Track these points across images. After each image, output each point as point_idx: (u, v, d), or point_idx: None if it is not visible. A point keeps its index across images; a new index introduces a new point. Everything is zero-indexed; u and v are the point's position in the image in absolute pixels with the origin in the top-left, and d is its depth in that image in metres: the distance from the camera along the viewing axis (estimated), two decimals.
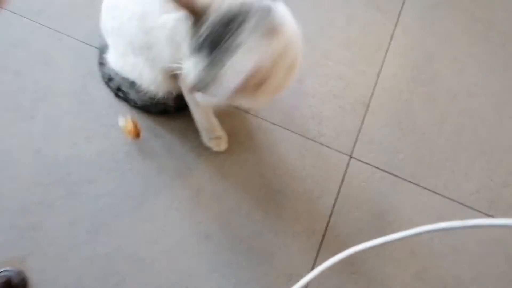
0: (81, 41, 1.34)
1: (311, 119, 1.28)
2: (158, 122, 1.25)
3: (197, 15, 0.70)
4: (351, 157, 1.25)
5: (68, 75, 1.29)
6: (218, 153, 1.22)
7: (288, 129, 1.27)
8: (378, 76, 1.34)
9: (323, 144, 1.25)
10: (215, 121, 1.19)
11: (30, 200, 1.14)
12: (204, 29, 0.69)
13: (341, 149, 1.25)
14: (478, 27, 1.40)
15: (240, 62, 0.66)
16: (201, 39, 0.69)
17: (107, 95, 1.26)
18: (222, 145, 1.22)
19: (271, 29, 0.68)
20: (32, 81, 1.27)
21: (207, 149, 1.22)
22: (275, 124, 1.27)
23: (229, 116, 1.26)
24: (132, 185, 1.17)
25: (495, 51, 1.38)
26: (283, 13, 0.72)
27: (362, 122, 1.29)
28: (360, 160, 1.24)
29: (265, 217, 1.16)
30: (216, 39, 0.68)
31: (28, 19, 1.35)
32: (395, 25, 1.40)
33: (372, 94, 1.32)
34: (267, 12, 0.68)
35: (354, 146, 1.26)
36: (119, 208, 1.15)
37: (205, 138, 1.21)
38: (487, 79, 1.35)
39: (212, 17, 0.69)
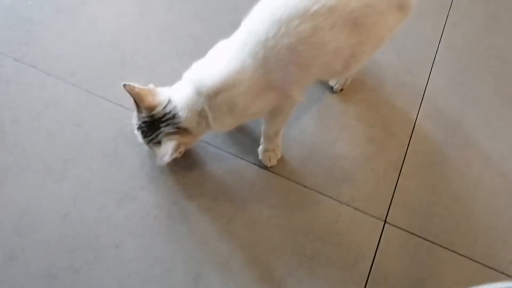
0: (112, 102, 1.39)
1: (344, 182, 1.29)
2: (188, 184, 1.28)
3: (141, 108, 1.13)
4: (385, 222, 1.24)
5: (99, 137, 1.32)
6: (248, 220, 1.22)
7: (321, 193, 1.27)
8: (409, 138, 1.36)
9: (356, 209, 1.26)
10: (281, 132, 1.28)
11: (57, 265, 1.13)
12: (145, 117, 1.13)
13: (375, 214, 1.25)
14: (509, 90, 1.44)
15: (164, 148, 1.10)
16: (141, 122, 1.15)
17: (137, 157, 1.30)
18: (273, 159, 1.30)
19: (180, 128, 1.11)
20: (63, 142, 1.31)
21: (238, 214, 1.23)
22: (307, 187, 1.28)
23: (262, 178, 1.28)
24: (160, 251, 1.17)
25: None
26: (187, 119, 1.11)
27: (395, 186, 1.29)
28: (395, 226, 1.24)
29: (298, 286, 1.15)
30: (149, 126, 1.13)
31: (62, 80, 1.41)
32: (425, 88, 1.44)
33: (405, 157, 1.34)
34: (176, 120, 1.11)
35: (388, 210, 1.26)
36: (147, 274, 1.14)
37: (262, 149, 1.30)
38: None
39: (152, 113, 1.12)
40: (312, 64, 1.03)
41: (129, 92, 1.11)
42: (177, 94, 1.13)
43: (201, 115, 1.11)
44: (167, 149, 1.09)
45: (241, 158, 1.31)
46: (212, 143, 1.34)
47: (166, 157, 1.08)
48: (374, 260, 1.19)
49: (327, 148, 1.34)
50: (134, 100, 1.13)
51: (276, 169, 1.30)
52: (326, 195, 1.27)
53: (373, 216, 1.25)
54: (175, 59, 1.47)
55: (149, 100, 1.12)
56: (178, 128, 1.11)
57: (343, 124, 1.38)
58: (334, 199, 1.27)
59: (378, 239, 1.22)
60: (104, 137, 1.33)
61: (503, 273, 1.18)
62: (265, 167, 1.30)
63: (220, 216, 1.23)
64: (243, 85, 1.03)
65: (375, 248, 1.21)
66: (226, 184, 1.28)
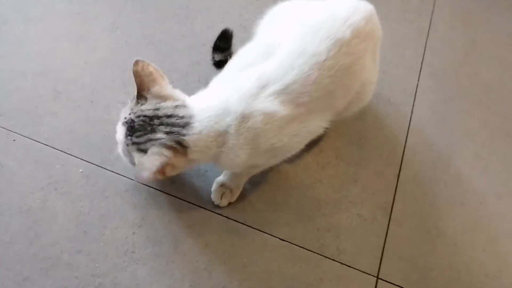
0: (41, 142, 1.19)
1: (327, 232, 1.16)
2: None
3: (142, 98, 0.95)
4: (377, 278, 1.12)
5: (23, 187, 1.12)
6: (214, 286, 1.05)
7: (300, 246, 1.13)
8: (397, 177, 1.26)
9: (343, 264, 1.12)
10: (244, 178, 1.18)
11: None
12: (145, 110, 0.93)
13: (365, 269, 1.13)
14: (496, 120, 1.40)
15: (149, 161, 0.90)
16: (135, 116, 0.93)
17: (72, 210, 1.10)
18: (225, 199, 1.16)
19: (180, 144, 0.92)
20: None
21: (200, 281, 1.06)
22: (284, 241, 1.13)
23: (232, 232, 1.13)
24: None
25: None
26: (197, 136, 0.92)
27: (386, 234, 1.18)
28: (389, 282, 1.12)
29: None
30: (143, 125, 0.92)
31: None
32: (409, 119, 1.37)
33: (394, 199, 1.23)
34: (184, 130, 0.92)
35: (380, 263, 1.14)
36: None
37: (219, 182, 1.17)
38: None
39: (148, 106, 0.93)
40: (351, 90, 1.04)
41: (138, 73, 0.93)
42: (198, 102, 0.96)
43: (218, 139, 0.94)
44: (152, 165, 0.88)
45: (199, 206, 1.16)
46: (166, 191, 1.17)
47: (146, 174, 0.88)
48: None
49: (306, 191, 1.22)
50: (140, 84, 0.94)
51: (248, 220, 1.15)
52: (307, 249, 1.13)
53: (363, 271, 1.12)
54: (120, 89, 1.31)
55: (163, 86, 0.95)
56: (179, 143, 0.91)
57: (321, 164, 1.27)
58: (317, 253, 1.13)
59: None
60: (29, 187, 1.13)
61: None
62: (224, 215, 1.15)
63: (179, 283, 1.05)
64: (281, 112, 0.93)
65: None
66: (186, 241, 1.11)
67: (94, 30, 1.43)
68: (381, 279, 1.12)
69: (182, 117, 0.92)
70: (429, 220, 1.22)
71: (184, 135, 0.91)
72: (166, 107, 0.93)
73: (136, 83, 0.94)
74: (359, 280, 1.11)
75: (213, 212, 1.16)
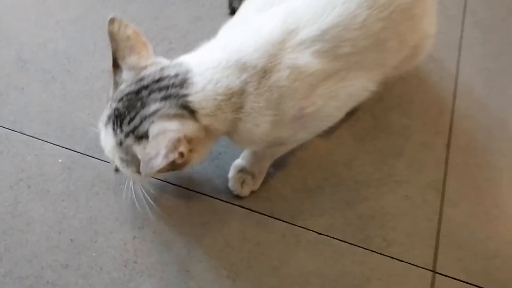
0: (6, 127, 0.96)
1: (371, 220, 0.98)
2: None
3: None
4: (434, 272, 0.96)
5: None
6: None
7: (341, 240, 0.96)
8: (447, 148, 1.09)
9: (393, 257, 0.96)
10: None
11: None
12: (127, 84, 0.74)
13: (419, 262, 0.96)
14: None
15: (156, 142, 0.68)
16: (118, 98, 0.74)
17: (53, 214, 0.88)
18: (247, 187, 0.97)
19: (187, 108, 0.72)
20: None
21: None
22: (321, 234, 0.96)
23: (257, 227, 0.95)
24: None
25: None
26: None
27: (440, 217, 1.01)
28: (447, 276, 0.95)
29: None
30: (130, 104, 0.72)
31: None
32: (456, 79, 1.18)
33: (445, 175, 1.06)
34: (184, 90, 0.72)
35: (435, 255, 0.98)
36: None
37: (237, 167, 0.97)
38: None
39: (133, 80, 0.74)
40: (408, 43, 0.84)
41: (114, 35, 0.75)
42: (196, 56, 0.77)
43: (232, 100, 0.73)
44: (161, 148, 0.67)
45: (214, 198, 0.97)
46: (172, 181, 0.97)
47: (158, 160, 0.66)
48: None
49: (342, 172, 1.03)
50: (115, 50, 0.75)
51: (275, 211, 0.97)
52: (349, 243, 0.96)
53: (417, 265, 0.96)
54: (104, 54, 1.11)
55: (144, 56, 0.76)
56: (184, 107, 0.72)
57: (358, 136, 1.08)
58: (361, 247, 0.96)
59: None
60: None
61: None
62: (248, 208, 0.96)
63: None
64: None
65: None
66: (201, 243, 0.91)
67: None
68: (438, 273, 0.96)
69: (176, 75, 0.73)
70: (487, 198, 1.06)
71: (185, 95, 0.72)
72: (150, 73, 0.74)
73: (112, 48, 0.75)
74: (413, 276, 0.95)
75: (232, 204, 0.97)
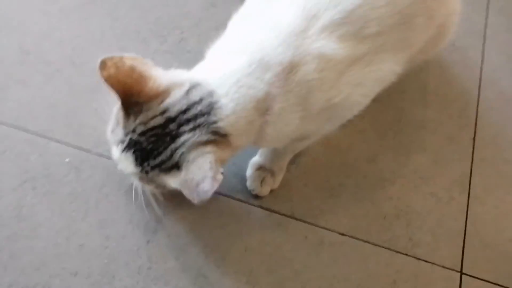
0: (7, 124, 0.89)
1: (396, 220, 0.93)
2: None
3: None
4: (461, 273, 0.92)
5: None
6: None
7: (365, 241, 0.91)
8: (473, 142, 1.04)
9: (419, 259, 0.91)
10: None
11: None
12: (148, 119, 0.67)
13: (446, 263, 0.92)
14: None
15: (198, 169, 0.65)
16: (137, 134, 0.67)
17: (61, 217, 0.82)
18: (266, 187, 0.90)
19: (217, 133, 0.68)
20: None
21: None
22: (344, 235, 0.91)
23: (278, 229, 0.89)
24: None
25: None
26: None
27: (467, 216, 0.96)
28: (476, 277, 0.92)
29: None
30: (156, 139, 0.67)
31: None
32: (481, 68, 1.12)
33: (471, 170, 1.01)
34: (212, 116, 0.67)
35: (463, 255, 0.93)
36: None
37: (255, 165, 0.92)
38: None
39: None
40: (435, 20, 0.80)
41: (112, 78, 0.65)
42: (212, 68, 0.72)
43: (259, 106, 0.68)
44: (205, 169, 0.63)
45: (231, 198, 0.91)
46: None
47: (207, 184, 0.62)
48: None
49: (365, 169, 0.97)
50: (124, 91, 0.66)
51: (296, 211, 0.91)
52: (374, 244, 0.91)
53: (444, 266, 0.91)
54: (112, 44, 1.04)
55: (155, 76, 0.68)
56: (215, 133, 0.67)
57: (380, 131, 1.02)
58: (386, 248, 0.91)
59: None
60: None
61: None
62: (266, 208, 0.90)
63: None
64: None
65: None
66: (218, 248, 0.85)
67: None
68: (465, 274, 0.92)
69: (200, 101, 0.67)
70: None
71: (215, 122, 0.67)
72: (175, 101, 0.67)
73: (116, 92, 0.66)
74: (440, 277, 0.91)
75: (250, 204, 0.91)
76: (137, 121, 0.67)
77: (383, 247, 0.92)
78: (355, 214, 0.93)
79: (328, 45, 0.69)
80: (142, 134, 0.66)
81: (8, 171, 0.89)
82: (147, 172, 0.69)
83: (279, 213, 0.90)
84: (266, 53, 0.68)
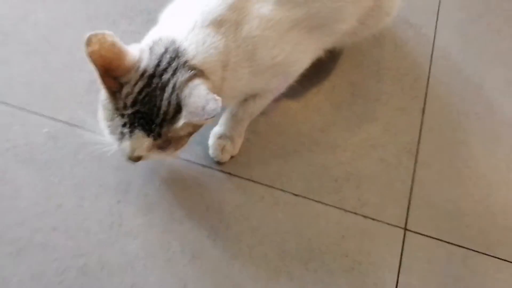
0: None
1: (347, 182, 1.03)
2: None
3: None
4: (405, 229, 1.02)
5: None
6: (229, 256, 0.93)
7: (317, 201, 1.01)
8: (422, 113, 1.13)
9: (367, 217, 1.01)
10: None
11: None
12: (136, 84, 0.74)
13: (391, 221, 1.02)
14: None
15: (198, 97, 0.72)
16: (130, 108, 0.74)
17: (41, 181, 0.92)
18: (226, 153, 1.00)
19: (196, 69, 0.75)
20: None
21: (208, 249, 0.93)
22: (298, 196, 1.01)
23: (237, 191, 1.00)
24: None
25: None
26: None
27: (413, 179, 1.06)
28: (418, 233, 1.02)
29: None
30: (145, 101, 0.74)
31: None
32: (433, 44, 1.22)
33: (419, 138, 1.10)
34: (182, 57, 0.75)
35: (407, 213, 1.03)
36: None
37: (216, 134, 1.01)
38: None
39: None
40: None
41: (96, 53, 0.69)
42: (168, 29, 0.79)
43: (221, 58, 0.78)
44: (203, 94, 0.71)
45: (194, 163, 1.01)
46: None
47: (212, 104, 0.69)
48: (398, 283, 0.96)
49: (319, 137, 1.07)
50: (107, 65, 0.71)
51: (254, 175, 1.01)
52: (325, 203, 1.01)
53: (389, 223, 1.02)
54: (84, 25, 1.11)
55: (131, 54, 0.74)
56: (193, 68, 0.75)
57: (335, 103, 1.11)
58: (336, 207, 1.01)
59: (399, 254, 0.99)
60: None
61: None
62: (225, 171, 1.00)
63: (179, 255, 0.92)
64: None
65: (398, 267, 0.98)
66: (183, 207, 0.96)
67: None
68: (409, 230, 1.02)
69: (166, 50, 0.75)
70: (460, 160, 1.11)
71: (187, 61, 0.75)
72: (147, 61, 0.74)
73: (98, 66, 0.70)
74: (385, 233, 1.01)
75: (212, 168, 1.01)
76: (123, 95, 0.73)
77: (333, 206, 1.01)
78: (308, 177, 1.03)
79: (266, 7, 0.79)
80: (134, 103, 0.73)
81: None
82: (159, 135, 0.74)
83: (239, 176, 1.00)
84: (215, 12, 0.77)
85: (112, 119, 0.75)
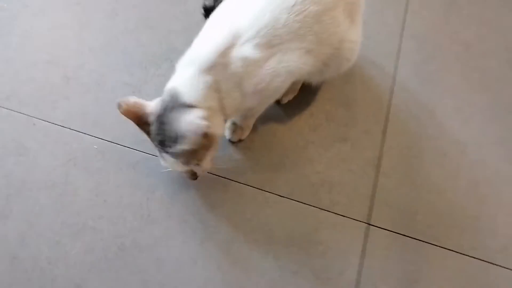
0: (58, 124, 1.32)
1: (321, 187, 1.28)
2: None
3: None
4: (369, 224, 1.24)
5: (46, 165, 1.25)
6: (224, 240, 1.19)
7: (297, 201, 1.25)
8: (384, 134, 1.37)
9: (337, 213, 1.24)
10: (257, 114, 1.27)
11: None
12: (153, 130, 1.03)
13: (357, 217, 1.25)
14: (474, 75, 1.48)
15: (189, 117, 0.97)
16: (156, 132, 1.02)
17: (92, 183, 1.23)
18: (236, 135, 1.29)
19: (186, 105, 0.99)
20: (3, 175, 1.22)
21: (211, 235, 1.19)
22: (283, 197, 1.26)
23: (236, 192, 1.25)
24: (128, 285, 1.11)
25: (495, 98, 1.45)
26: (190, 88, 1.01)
27: (375, 185, 1.29)
28: (379, 227, 1.24)
29: None
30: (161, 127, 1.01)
31: None
32: (394, 80, 1.46)
33: (381, 154, 1.34)
34: (179, 99, 0.99)
35: (370, 212, 1.26)
36: None
37: (229, 124, 1.29)
38: (493, 126, 1.40)
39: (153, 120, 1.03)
40: (325, 41, 1.08)
41: (127, 110, 1.03)
42: (175, 79, 1.05)
43: (213, 86, 1.02)
44: (187, 120, 0.96)
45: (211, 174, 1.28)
46: None
47: (192, 126, 0.96)
48: (362, 267, 1.18)
49: (300, 152, 1.33)
50: (137, 118, 1.04)
51: (249, 180, 1.27)
52: (304, 203, 1.25)
53: (355, 219, 1.25)
54: (123, 71, 1.42)
55: (149, 106, 1.05)
56: (185, 105, 1.00)
57: (313, 126, 1.37)
58: (313, 206, 1.25)
59: (363, 244, 1.21)
60: (51, 165, 1.26)
61: (492, 263, 1.20)
62: (233, 179, 1.27)
63: (192, 239, 1.18)
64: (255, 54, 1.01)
65: (361, 253, 1.20)
66: (195, 203, 1.24)
67: (94, 18, 1.52)
68: (371, 224, 1.24)
69: (169, 97, 1.01)
70: (414, 171, 1.32)
71: (182, 101, 1.00)
72: (158, 108, 1.03)
73: (132, 120, 1.04)
74: (351, 227, 1.23)
75: (218, 176, 1.27)
76: (151, 131, 1.03)
77: (310, 205, 1.24)
78: (291, 183, 1.27)
79: (248, 51, 1.00)
80: (156, 135, 1.02)
81: (58, 154, 1.27)
82: (177, 155, 1.01)
83: (237, 182, 1.27)
84: (208, 60, 1.00)
85: (155, 148, 1.06)
